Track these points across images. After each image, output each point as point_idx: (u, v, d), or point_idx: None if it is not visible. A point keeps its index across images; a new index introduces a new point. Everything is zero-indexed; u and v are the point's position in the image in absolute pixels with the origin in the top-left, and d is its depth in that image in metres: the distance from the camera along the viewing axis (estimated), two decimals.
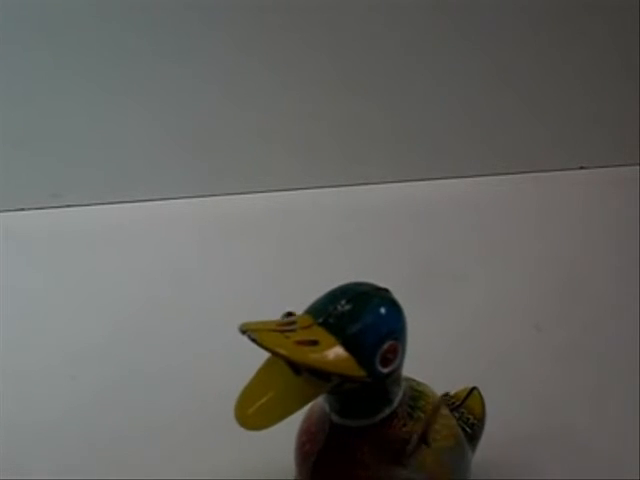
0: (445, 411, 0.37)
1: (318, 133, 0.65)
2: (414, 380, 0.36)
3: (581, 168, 0.68)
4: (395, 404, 0.34)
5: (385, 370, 0.32)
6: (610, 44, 0.64)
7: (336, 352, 0.30)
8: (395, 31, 0.62)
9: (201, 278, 0.58)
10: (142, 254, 0.61)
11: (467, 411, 0.40)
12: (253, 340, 0.29)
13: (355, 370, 0.30)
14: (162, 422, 0.47)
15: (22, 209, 0.65)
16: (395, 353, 0.32)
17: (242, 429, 0.45)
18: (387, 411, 0.33)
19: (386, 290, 0.33)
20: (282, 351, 0.29)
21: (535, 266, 0.58)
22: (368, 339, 0.31)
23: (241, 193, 0.66)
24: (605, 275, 0.57)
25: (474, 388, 0.41)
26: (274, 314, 0.54)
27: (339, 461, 0.33)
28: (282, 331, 0.30)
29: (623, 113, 0.66)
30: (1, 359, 0.52)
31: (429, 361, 0.50)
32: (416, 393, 0.35)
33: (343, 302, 0.31)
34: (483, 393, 0.41)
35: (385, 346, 0.31)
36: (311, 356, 0.29)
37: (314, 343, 0.30)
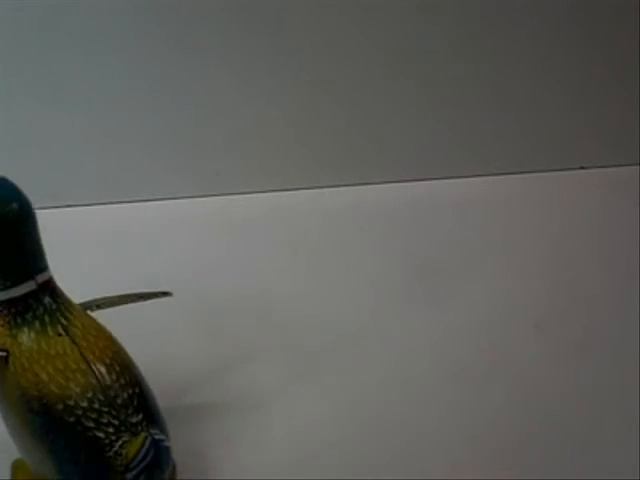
0: None
1: (318, 133, 0.65)
2: None
3: (581, 168, 0.68)
4: None
5: None
6: (610, 44, 0.64)
7: None
8: (393, 31, 0.62)
9: (201, 278, 0.58)
10: (142, 254, 0.61)
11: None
12: None
13: None
14: None
15: None
16: None
17: (242, 427, 0.45)
18: None
19: None
20: None
21: (535, 266, 0.59)
22: None
23: (241, 193, 0.66)
24: (605, 275, 0.57)
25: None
26: (274, 313, 0.54)
27: None
28: None
29: (623, 113, 0.66)
30: None
31: (428, 360, 0.50)
32: None
33: None
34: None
35: None
36: None
37: None
